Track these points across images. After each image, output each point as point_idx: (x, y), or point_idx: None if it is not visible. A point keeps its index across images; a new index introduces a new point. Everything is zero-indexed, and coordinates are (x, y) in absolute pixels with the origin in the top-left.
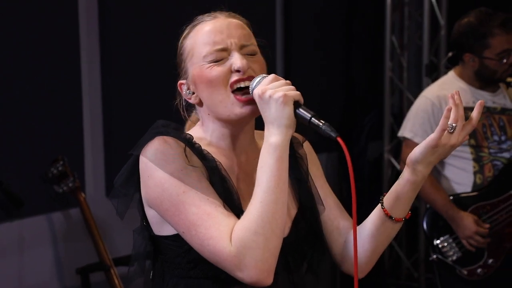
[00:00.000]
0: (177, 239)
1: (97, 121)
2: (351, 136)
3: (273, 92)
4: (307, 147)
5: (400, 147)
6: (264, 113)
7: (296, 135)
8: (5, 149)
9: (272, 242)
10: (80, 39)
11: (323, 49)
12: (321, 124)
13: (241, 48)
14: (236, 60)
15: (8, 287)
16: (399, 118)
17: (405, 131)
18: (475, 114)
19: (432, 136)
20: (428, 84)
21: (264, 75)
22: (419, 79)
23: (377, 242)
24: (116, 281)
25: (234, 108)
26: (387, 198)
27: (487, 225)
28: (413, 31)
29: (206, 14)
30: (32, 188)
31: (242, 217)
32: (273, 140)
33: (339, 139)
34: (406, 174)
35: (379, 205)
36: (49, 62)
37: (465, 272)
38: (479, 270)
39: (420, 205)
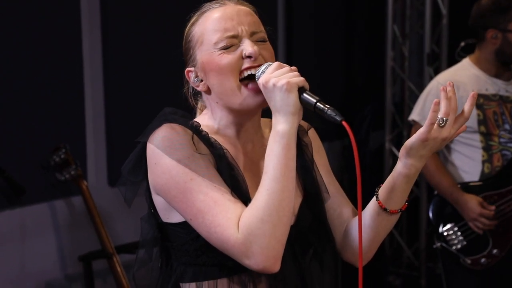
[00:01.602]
0: (184, 226)
1: (99, 109)
2: (352, 126)
3: (277, 80)
4: (312, 134)
5: (401, 137)
6: (270, 102)
7: (302, 122)
8: (7, 137)
9: (279, 230)
10: (82, 27)
11: (324, 38)
12: (326, 108)
13: (251, 35)
14: (247, 46)
15: (10, 274)
16: (400, 107)
17: (414, 114)
18: (467, 106)
19: (421, 130)
20: (429, 74)
21: (269, 63)
22: (420, 68)
23: (374, 233)
24: (119, 269)
25: (246, 98)
26: (382, 191)
27: (493, 207)
28: (414, 20)
29: (214, 1)
30: (34, 176)
31: (250, 205)
32: (280, 128)
33: (344, 123)
34: (398, 167)
35: (374, 197)
36: (51, 50)
37: (469, 261)
38: (483, 260)
39: (421, 194)
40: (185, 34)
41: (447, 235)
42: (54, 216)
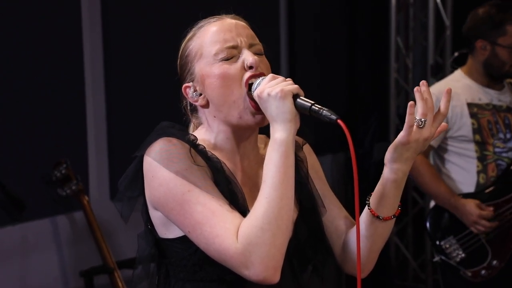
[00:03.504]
0: (182, 242)
1: (101, 123)
2: (356, 138)
3: (271, 89)
4: (307, 149)
5: None
6: (266, 112)
7: (296, 138)
8: (8, 152)
9: (279, 239)
10: (83, 41)
11: (327, 50)
12: (321, 110)
13: (250, 46)
14: (248, 57)
15: None
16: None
17: None
18: (443, 103)
19: (401, 133)
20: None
21: (263, 77)
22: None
23: (371, 242)
24: (120, 284)
25: (246, 113)
26: (373, 199)
27: (491, 208)
28: (418, 31)
29: (210, 17)
30: (36, 191)
31: (248, 215)
32: (278, 136)
33: (339, 121)
34: (386, 173)
35: (366, 206)
36: (52, 63)
37: (469, 274)
38: (483, 272)
39: (426, 205)
40: (182, 50)
41: (446, 248)
42: (56, 231)
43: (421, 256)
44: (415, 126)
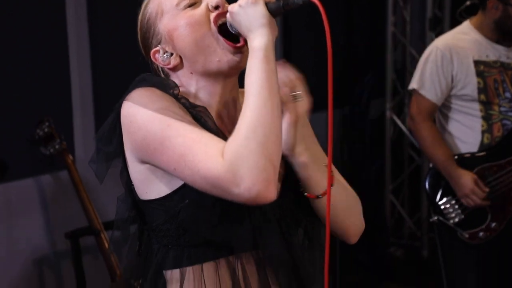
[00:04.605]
0: (164, 202)
1: (86, 80)
2: (352, 94)
3: (241, 1)
4: None
5: (403, 104)
6: (241, 26)
7: None
8: None
9: (267, 148)
10: None
11: (323, 2)
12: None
13: None
14: None
15: None
16: (401, 74)
17: (413, 82)
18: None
19: (285, 116)
20: (432, 39)
21: None
22: (422, 33)
23: (335, 217)
24: (106, 245)
25: (225, 54)
26: (303, 186)
27: (486, 189)
28: None
29: None
30: (19, 151)
31: (233, 133)
32: (255, 44)
33: (313, 0)
34: (294, 163)
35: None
36: (34, 19)
37: (466, 235)
38: (481, 234)
39: (423, 163)
40: (140, 19)
41: (444, 208)
42: (40, 191)
43: (416, 214)
44: (294, 103)
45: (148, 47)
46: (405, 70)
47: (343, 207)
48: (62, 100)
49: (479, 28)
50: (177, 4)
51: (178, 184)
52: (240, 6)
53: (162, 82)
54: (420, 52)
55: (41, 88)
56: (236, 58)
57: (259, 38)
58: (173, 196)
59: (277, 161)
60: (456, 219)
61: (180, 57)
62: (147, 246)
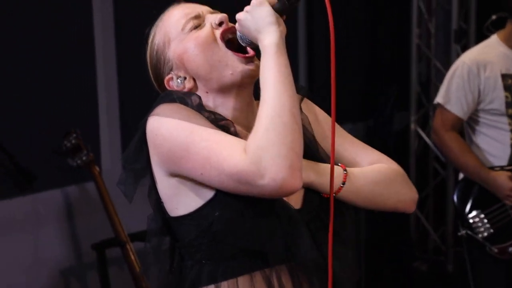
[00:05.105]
0: (194, 217)
1: (113, 93)
2: (376, 106)
3: (247, 7)
4: (304, 106)
5: (427, 117)
6: (250, 31)
7: None
8: (18, 122)
9: (288, 137)
10: (93, 9)
11: (348, 15)
12: None
13: (212, 13)
14: (214, 16)
15: (24, 263)
16: (426, 87)
17: (438, 97)
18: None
19: None
20: (457, 51)
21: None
22: (447, 46)
23: (375, 201)
24: (132, 257)
25: (237, 65)
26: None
27: None
28: None
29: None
30: (46, 162)
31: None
32: (266, 42)
33: None
34: None
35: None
36: (62, 32)
37: (496, 250)
38: (510, 249)
39: (448, 176)
40: (149, 53)
41: (473, 222)
42: (67, 202)
43: (441, 227)
44: None
45: (160, 77)
46: (430, 82)
47: (377, 188)
48: (89, 112)
49: (507, 41)
50: (183, 29)
51: (207, 196)
52: (246, 11)
53: (185, 97)
54: (445, 64)
55: (69, 100)
56: (248, 66)
57: (269, 35)
58: (203, 209)
59: (300, 149)
60: (485, 234)
61: (194, 79)
62: (178, 263)
